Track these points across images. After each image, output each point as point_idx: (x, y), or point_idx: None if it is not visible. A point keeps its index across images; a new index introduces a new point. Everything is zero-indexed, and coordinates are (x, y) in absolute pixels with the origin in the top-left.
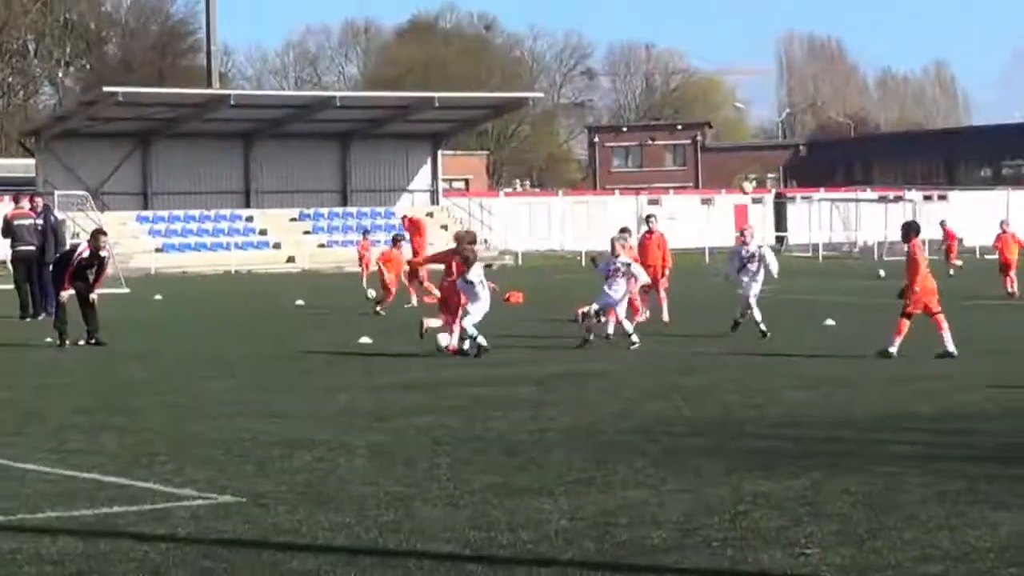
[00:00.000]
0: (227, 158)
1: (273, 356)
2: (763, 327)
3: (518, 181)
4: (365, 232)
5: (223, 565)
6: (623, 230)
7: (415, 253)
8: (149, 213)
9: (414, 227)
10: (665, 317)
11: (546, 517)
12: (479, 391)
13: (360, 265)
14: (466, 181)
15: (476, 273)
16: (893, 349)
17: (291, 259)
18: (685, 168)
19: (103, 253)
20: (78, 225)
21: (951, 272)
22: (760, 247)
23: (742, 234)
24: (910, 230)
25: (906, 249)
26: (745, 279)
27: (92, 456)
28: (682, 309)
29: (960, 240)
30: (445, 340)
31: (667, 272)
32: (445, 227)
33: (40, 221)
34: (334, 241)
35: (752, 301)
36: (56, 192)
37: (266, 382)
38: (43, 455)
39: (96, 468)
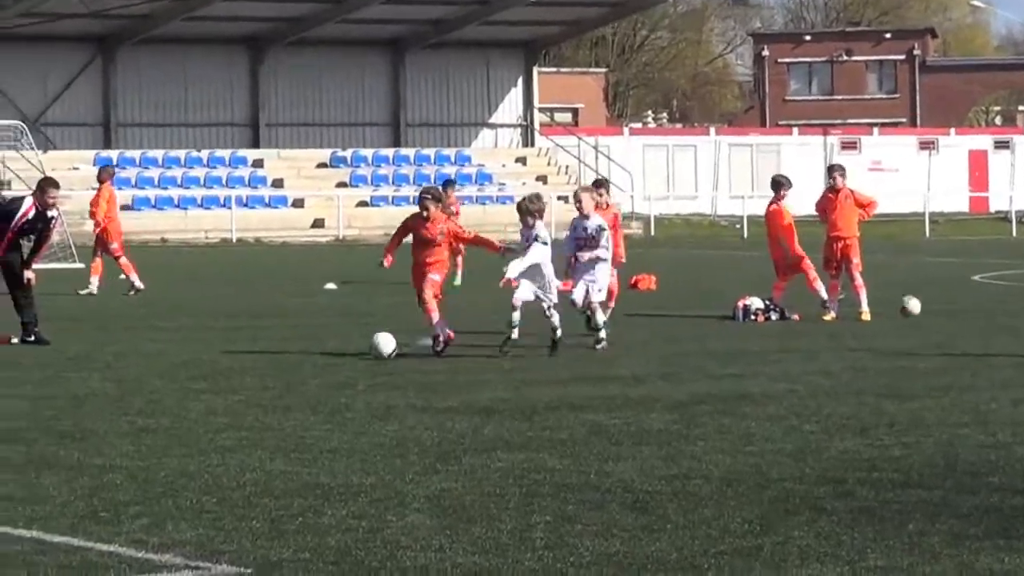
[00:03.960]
0: (225, 76)
1: (293, 364)
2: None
3: (651, 113)
4: (448, 182)
5: None
6: (597, 183)
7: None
8: (113, 153)
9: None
10: (864, 312)
11: None
12: (593, 418)
13: None
14: (575, 112)
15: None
16: None
17: (319, 223)
18: (896, 97)
19: (52, 213)
20: (9, 170)
21: None
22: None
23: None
24: None
25: None
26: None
27: (30, 505)
28: (888, 302)
29: None
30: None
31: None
32: (543, 178)
33: None
34: (381, 198)
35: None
36: None
37: (281, 400)
38: None
39: (36, 523)
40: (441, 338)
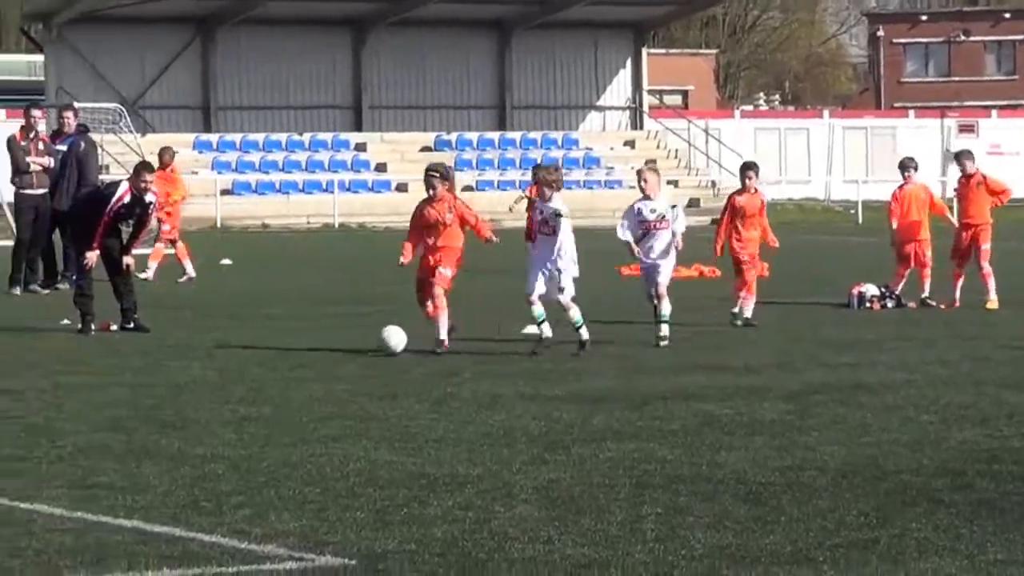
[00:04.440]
0: (328, 57)
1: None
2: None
3: (763, 95)
4: (538, 166)
5: None
6: (747, 166)
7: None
8: (213, 137)
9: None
10: (991, 300)
11: None
12: (704, 408)
13: (530, 221)
14: (684, 94)
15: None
16: None
17: None
18: (1015, 78)
19: (149, 198)
20: (108, 153)
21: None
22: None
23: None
24: None
25: None
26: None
27: (131, 494)
28: (1012, 288)
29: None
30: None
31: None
32: (652, 162)
33: (63, 147)
34: (487, 182)
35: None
36: (75, 104)
37: (386, 388)
38: (58, 491)
39: (137, 512)
40: (444, 339)
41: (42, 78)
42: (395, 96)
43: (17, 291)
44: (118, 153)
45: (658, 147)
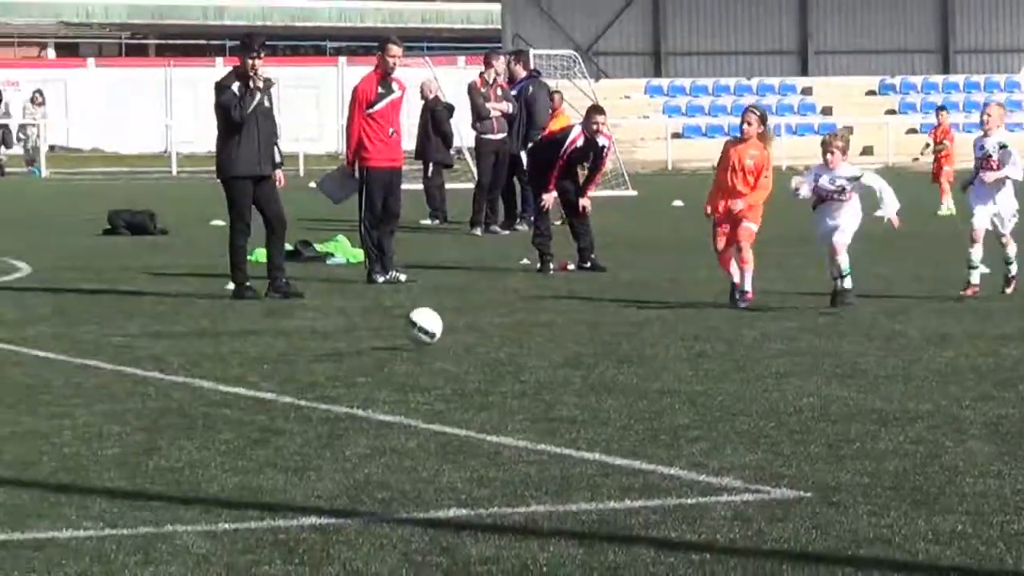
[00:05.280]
0: (774, 3)
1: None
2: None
3: None
4: (941, 108)
5: None
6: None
7: None
8: (663, 82)
9: None
10: None
11: None
12: None
13: (935, 163)
14: None
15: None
16: None
17: (867, 150)
18: None
19: (602, 141)
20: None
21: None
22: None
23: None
24: None
25: None
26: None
27: (592, 428)
28: None
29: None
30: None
31: None
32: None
33: (514, 92)
34: (929, 125)
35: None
36: (532, 51)
37: (834, 326)
38: (523, 425)
39: (598, 445)
40: (748, 290)
41: (499, 26)
42: (840, 40)
43: (478, 232)
44: (572, 99)
45: None
